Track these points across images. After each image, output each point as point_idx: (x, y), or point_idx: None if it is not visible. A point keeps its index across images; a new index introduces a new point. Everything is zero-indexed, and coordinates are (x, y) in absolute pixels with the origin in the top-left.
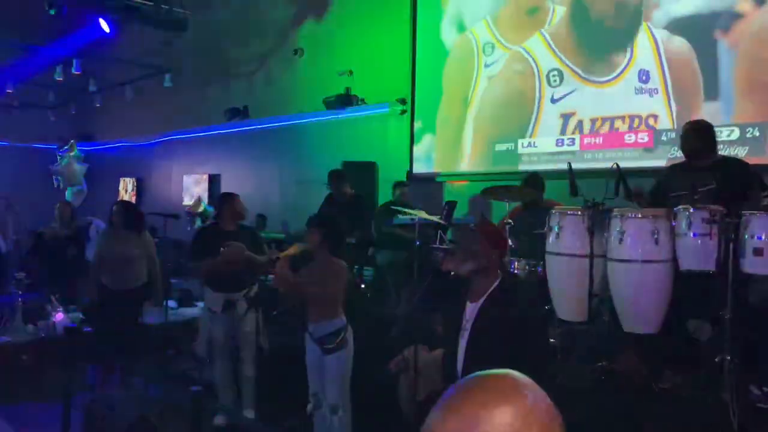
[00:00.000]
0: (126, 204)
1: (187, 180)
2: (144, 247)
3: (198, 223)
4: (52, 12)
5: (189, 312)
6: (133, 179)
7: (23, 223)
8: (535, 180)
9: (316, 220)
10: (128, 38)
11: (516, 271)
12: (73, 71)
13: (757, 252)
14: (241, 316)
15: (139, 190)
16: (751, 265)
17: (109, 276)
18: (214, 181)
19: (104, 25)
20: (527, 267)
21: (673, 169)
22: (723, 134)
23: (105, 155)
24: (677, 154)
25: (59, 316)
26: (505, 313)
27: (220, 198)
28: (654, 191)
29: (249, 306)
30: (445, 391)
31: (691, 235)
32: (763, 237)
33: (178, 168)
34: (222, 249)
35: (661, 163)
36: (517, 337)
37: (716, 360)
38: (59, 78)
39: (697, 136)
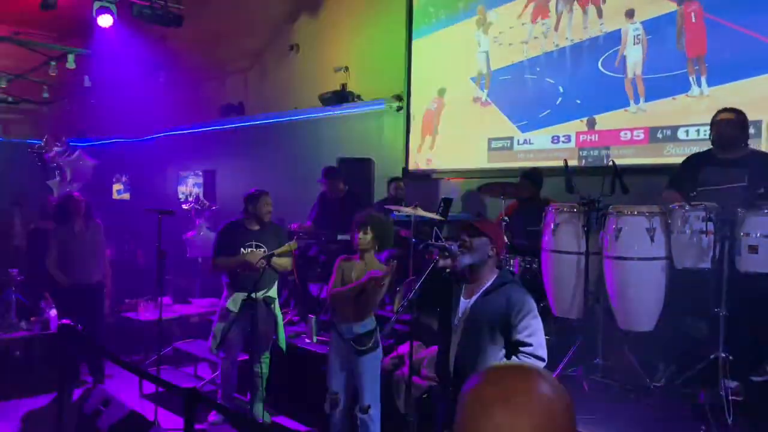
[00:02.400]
0: (80, 196)
1: (182, 177)
2: (99, 237)
3: (206, 224)
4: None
5: (184, 308)
6: (128, 176)
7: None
8: (534, 174)
9: (364, 219)
10: (123, 34)
11: (511, 268)
12: (68, 66)
13: (752, 249)
14: (259, 316)
15: (134, 186)
16: (746, 262)
17: (72, 273)
18: (209, 177)
19: (104, 20)
20: (522, 264)
21: (698, 160)
22: None
23: (99, 151)
24: (673, 151)
25: (53, 312)
26: (498, 310)
27: (246, 196)
28: (676, 182)
29: (267, 306)
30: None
31: (687, 232)
32: (759, 235)
33: (172, 165)
34: (243, 252)
35: (657, 160)
36: (507, 335)
37: (711, 357)
38: (53, 73)
39: (741, 125)
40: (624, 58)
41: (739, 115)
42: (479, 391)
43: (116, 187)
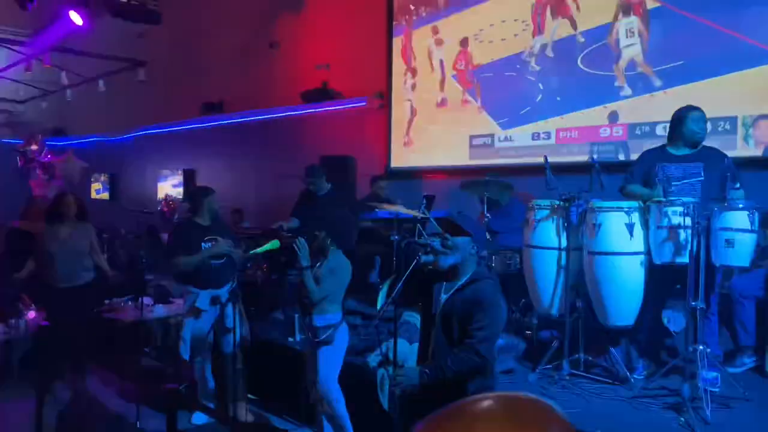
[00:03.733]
0: (73, 194)
1: (162, 176)
2: (90, 238)
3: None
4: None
5: (164, 309)
6: (107, 175)
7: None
8: (499, 176)
9: (322, 222)
10: (101, 31)
11: (493, 265)
12: (44, 64)
13: (728, 244)
14: (226, 312)
15: (113, 185)
16: (722, 256)
17: (58, 274)
18: (189, 176)
19: (76, 17)
20: (504, 260)
21: (654, 156)
22: None
23: (77, 150)
24: (651, 147)
25: (31, 314)
26: (467, 305)
27: (196, 192)
28: (633, 180)
29: (232, 301)
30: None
31: (665, 227)
32: (734, 229)
33: (152, 163)
34: (208, 245)
35: (636, 156)
36: (474, 328)
37: (690, 349)
38: (29, 71)
39: (706, 122)
40: (620, 51)
41: (703, 113)
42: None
43: (95, 186)
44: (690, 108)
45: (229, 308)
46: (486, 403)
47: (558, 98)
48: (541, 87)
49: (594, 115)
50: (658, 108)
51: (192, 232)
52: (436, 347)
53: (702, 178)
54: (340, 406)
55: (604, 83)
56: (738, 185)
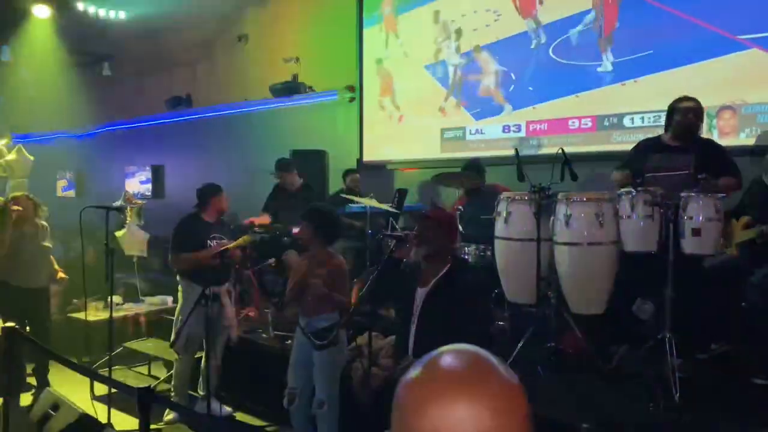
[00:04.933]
0: (30, 197)
1: (129, 172)
2: (47, 238)
3: (136, 221)
4: None
5: (135, 307)
6: (72, 172)
7: None
8: (474, 166)
9: (306, 213)
10: (64, 24)
11: (466, 256)
12: (3, 59)
13: (696, 232)
14: (222, 310)
15: (79, 183)
16: (690, 245)
17: (23, 275)
18: (157, 172)
19: (40, 11)
20: (476, 252)
21: (648, 145)
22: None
23: (40, 147)
24: (620, 138)
25: None
26: (450, 298)
27: (205, 189)
28: (627, 167)
29: (228, 299)
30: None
31: (634, 217)
32: (701, 218)
33: (119, 160)
34: (211, 243)
35: (604, 147)
36: (459, 321)
37: (659, 337)
38: None
39: (701, 114)
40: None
41: (699, 104)
42: (429, 386)
43: (60, 184)
44: (683, 99)
45: (225, 306)
46: (443, 359)
47: (530, 88)
48: (514, 77)
49: (563, 107)
50: (626, 99)
51: (198, 229)
52: (420, 341)
53: (689, 171)
54: (335, 411)
55: (574, 74)
56: (704, 175)
